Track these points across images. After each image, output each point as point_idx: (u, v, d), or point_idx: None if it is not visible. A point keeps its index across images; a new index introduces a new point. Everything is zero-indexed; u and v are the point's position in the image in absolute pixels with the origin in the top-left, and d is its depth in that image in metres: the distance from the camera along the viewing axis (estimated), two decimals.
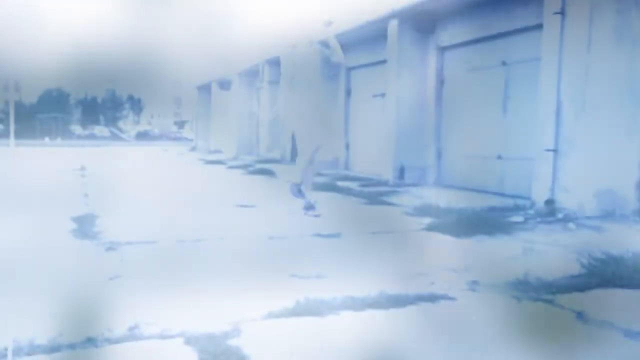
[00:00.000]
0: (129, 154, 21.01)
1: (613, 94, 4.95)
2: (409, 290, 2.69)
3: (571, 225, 4.69)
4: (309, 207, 5.38)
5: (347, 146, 11.17)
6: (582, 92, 5.19)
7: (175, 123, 67.73)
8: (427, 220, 4.81)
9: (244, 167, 11.95)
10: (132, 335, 2.09)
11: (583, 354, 2.05)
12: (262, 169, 10.71)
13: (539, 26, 5.80)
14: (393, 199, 6.61)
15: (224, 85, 18.40)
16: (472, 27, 7.47)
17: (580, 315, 2.44)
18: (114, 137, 48.04)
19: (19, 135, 25.24)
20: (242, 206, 5.84)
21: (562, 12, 5.37)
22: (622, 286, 2.88)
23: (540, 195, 5.52)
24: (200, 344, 1.99)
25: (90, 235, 4.04)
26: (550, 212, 5.20)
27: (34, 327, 2.12)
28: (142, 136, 50.51)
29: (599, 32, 5.05)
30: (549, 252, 3.78)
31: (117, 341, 2.03)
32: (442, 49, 8.18)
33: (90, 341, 2.02)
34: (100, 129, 53.37)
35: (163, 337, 2.08)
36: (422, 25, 8.19)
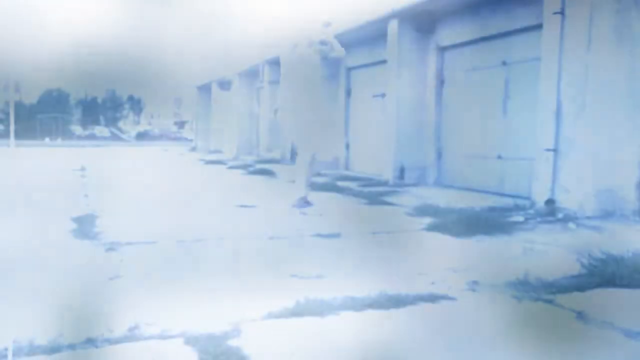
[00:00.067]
0: (129, 154, 21.01)
1: (613, 94, 4.95)
2: (409, 291, 2.68)
3: (571, 225, 4.69)
4: (303, 204, 5.41)
5: (347, 146, 11.17)
6: (582, 92, 5.19)
7: (176, 123, 67.70)
8: (427, 220, 4.81)
9: (244, 167, 11.95)
10: (132, 335, 2.09)
11: (583, 354, 2.05)
12: (262, 169, 10.71)
13: (539, 26, 5.80)
14: (393, 199, 6.61)
15: (224, 85, 18.40)
16: (472, 27, 7.47)
17: (580, 315, 2.44)
18: (114, 137, 48.03)
19: (19, 135, 25.23)
20: (242, 206, 5.84)
21: (562, 12, 5.37)
22: (622, 286, 2.88)
23: (540, 195, 5.52)
24: (201, 344, 1.99)
25: (90, 235, 4.04)
26: (550, 212, 5.20)
27: (34, 327, 2.12)
28: (142, 136, 50.50)
29: (599, 32, 5.05)
30: (549, 252, 3.78)
31: (117, 341, 2.03)
32: (442, 49, 8.18)
33: (91, 341, 2.02)
34: (100, 129, 53.36)
35: (163, 337, 2.08)
36: (422, 25, 8.19)
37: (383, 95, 9.07)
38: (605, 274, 2.98)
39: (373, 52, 9.76)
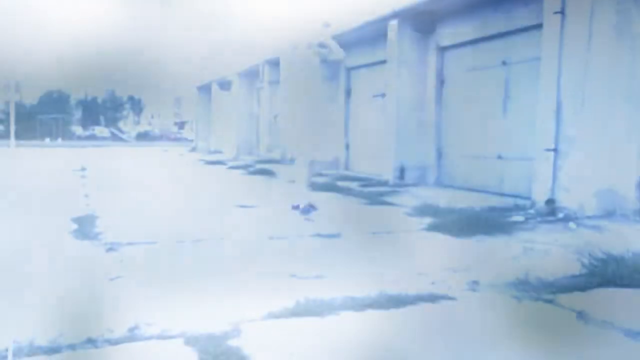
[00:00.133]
0: (129, 154, 21.01)
1: (613, 93, 4.94)
2: (409, 290, 2.68)
3: (572, 224, 4.68)
4: (308, 209, 5.40)
5: (347, 146, 11.16)
6: (582, 91, 5.19)
7: (176, 123, 67.66)
8: (427, 220, 4.81)
9: (244, 167, 11.94)
10: (133, 335, 2.09)
11: (583, 354, 2.05)
12: (262, 169, 10.70)
13: (539, 26, 5.79)
14: (393, 199, 6.61)
15: (224, 85, 18.40)
16: (472, 27, 7.47)
17: (580, 315, 2.44)
18: (115, 138, 48.03)
19: (19, 136, 25.24)
20: (242, 206, 5.84)
21: (562, 12, 5.37)
22: (622, 286, 2.88)
23: (540, 195, 5.52)
24: (200, 344, 1.99)
25: (90, 235, 4.04)
26: (550, 212, 5.19)
27: (35, 327, 2.12)
28: (143, 137, 50.51)
29: (598, 32, 5.05)
30: (549, 251, 3.78)
31: (117, 342, 2.03)
32: (442, 49, 8.17)
33: (91, 342, 2.01)
34: (100, 130, 53.36)
35: (163, 337, 2.08)
36: (422, 25, 8.18)
37: (383, 95, 9.07)
38: (606, 273, 2.98)
39: (373, 52, 9.75)
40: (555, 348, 2.08)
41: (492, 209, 5.40)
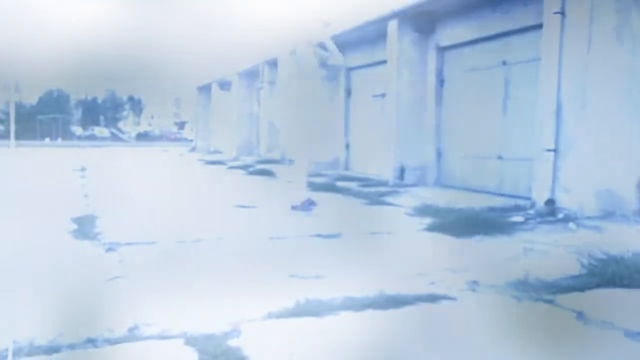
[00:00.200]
0: (129, 154, 21.01)
1: (613, 94, 4.95)
2: (408, 291, 2.68)
3: (571, 225, 4.69)
4: (308, 205, 5.40)
5: (347, 146, 11.17)
6: (582, 92, 5.19)
7: (176, 124, 67.68)
8: (427, 221, 4.81)
9: (244, 167, 11.95)
10: (132, 335, 2.09)
11: (583, 354, 2.05)
12: (262, 170, 10.71)
13: (539, 26, 5.80)
14: (393, 199, 6.61)
15: (224, 85, 18.41)
16: (472, 27, 7.47)
17: (580, 316, 2.44)
18: (114, 138, 48.06)
19: (19, 136, 25.25)
20: (242, 207, 5.84)
21: (562, 12, 5.37)
22: (622, 286, 2.88)
23: (540, 196, 5.52)
24: (200, 345, 1.99)
25: (90, 236, 4.04)
26: (550, 212, 5.20)
27: (34, 327, 2.12)
28: (142, 137, 50.55)
29: (599, 32, 5.05)
30: (549, 252, 3.78)
31: (117, 342, 2.03)
32: (442, 49, 8.18)
33: (90, 342, 2.02)
34: (100, 130, 53.40)
35: (163, 337, 2.08)
36: (422, 25, 8.19)
37: (383, 95, 9.07)
38: (606, 274, 2.98)
39: (373, 52, 9.76)
40: (555, 348, 2.08)
41: (492, 209, 5.40)
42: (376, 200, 6.60)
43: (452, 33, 7.89)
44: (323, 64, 5.72)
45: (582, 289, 2.84)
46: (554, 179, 5.43)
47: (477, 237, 4.20)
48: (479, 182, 7.34)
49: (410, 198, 6.57)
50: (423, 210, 5.35)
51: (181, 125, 63.99)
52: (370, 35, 9.40)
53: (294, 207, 5.48)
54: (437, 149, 8.27)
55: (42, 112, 47.94)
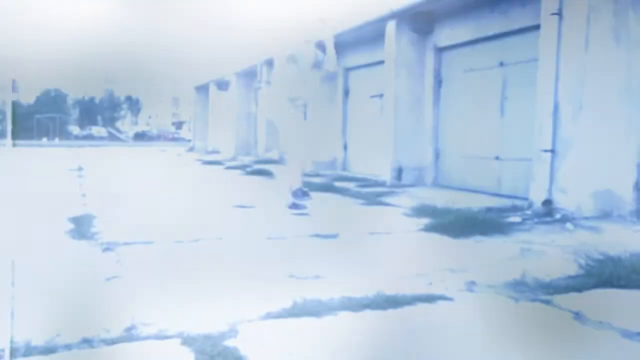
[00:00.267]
0: (126, 154, 20.98)
1: (610, 95, 4.95)
2: (406, 291, 2.68)
3: (569, 225, 4.69)
4: (301, 195, 5.39)
5: (345, 147, 11.17)
6: (580, 92, 5.20)
7: (173, 123, 67.61)
8: (424, 221, 4.81)
9: (242, 167, 11.94)
10: (129, 336, 2.08)
11: (581, 355, 2.05)
12: (260, 170, 10.70)
13: (537, 27, 5.80)
14: (391, 200, 6.61)
15: (222, 85, 18.39)
16: (470, 28, 7.48)
17: (577, 316, 2.44)
18: (112, 138, 47.99)
19: (16, 135, 25.17)
20: (240, 206, 5.83)
21: (560, 13, 5.38)
22: (619, 287, 2.88)
23: (537, 196, 5.53)
24: (198, 345, 1.99)
25: (87, 235, 4.03)
26: (547, 213, 5.20)
27: (31, 328, 2.11)
28: (140, 137, 50.50)
29: (596, 33, 5.06)
30: (546, 252, 3.78)
31: (113, 342, 2.03)
32: (440, 50, 8.18)
33: (87, 342, 2.01)
34: (98, 130, 53.33)
35: (160, 337, 2.07)
36: (419, 25, 8.19)
37: (381, 95, 9.08)
38: (603, 274, 2.98)
39: (371, 52, 9.76)
40: (552, 348, 2.09)
41: (490, 210, 5.41)
42: (374, 200, 6.60)
43: (450, 33, 7.90)
44: (317, 65, 5.73)
45: (579, 289, 2.85)
46: (552, 179, 5.44)
47: (475, 238, 4.20)
48: (477, 182, 7.35)
49: (408, 198, 6.57)
50: (421, 211, 5.35)
51: (179, 125, 63.94)
52: (369, 36, 9.40)
53: (290, 207, 5.48)
54: (435, 149, 8.28)
55: (40, 112, 47.84)
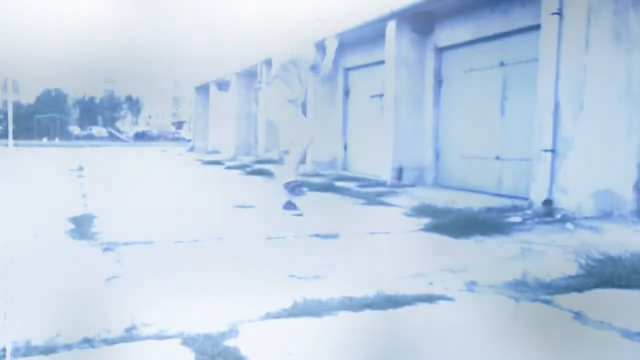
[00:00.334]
0: (127, 154, 20.98)
1: (611, 95, 4.95)
2: (406, 291, 2.68)
3: (569, 225, 4.69)
4: (295, 190, 5.38)
5: (345, 146, 11.17)
6: (580, 92, 5.20)
7: (174, 124, 67.66)
8: (425, 221, 4.81)
9: (242, 167, 11.94)
10: (129, 336, 2.08)
11: (581, 355, 2.05)
12: (260, 170, 10.70)
13: (537, 27, 5.80)
14: (391, 200, 6.61)
15: (222, 85, 18.40)
16: (470, 28, 7.48)
17: (578, 316, 2.44)
18: (112, 138, 47.97)
19: (17, 135, 25.18)
20: (240, 206, 5.83)
21: (560, 13, 5.38)
22: (620, 287, 2.88)
23: (538, 196, 5.52)
24: (198, 345, 1.99)
25: (87, 235, 4.03)
26: (548, 213, 5.20)
27: (31, 328, 2.11)
28: (141, 137, 50.48)
29: (596, 33, 5.06)
30: (547, 252, 3.78)
31: (114, 342, 2.02)
32: (440, 50, 8.18)
33: (87, 342, 2.01)
34: (98, 130, 53.31)
35: (160, 337, 2.07)
36: (420, 25, 8.19)
37: (381, 95, 9.08)
38: (603, 274, 2.98)
39: (371, 52, 9.76)
40: (553, 348, 2.08)
41: (490, 210, 5.41)
42: (374, 200, 6.60)
43: (450, 34, 7.90)
44: (315, 68, 5.73)
45: (580, 289, 2.84)
46: (552, 179, 5.44)
47: (475, 238, 4.20)
48: (477, 182, 7.35)
49: (408, 198, 6.57)
50: (421, 211, 5.35)
51: (179, 125, 63.98)
52: (369, 36, 9.40)
53: (285, 186, 5.45)
54: (435, 149, 8.28)
55: (40, 112, 47.83)
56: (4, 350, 1.90)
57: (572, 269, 3.17)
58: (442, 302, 2.59)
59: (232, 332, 2.13)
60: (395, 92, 8.31)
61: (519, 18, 6.57)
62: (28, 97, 56.00)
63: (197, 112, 22.80)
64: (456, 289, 2.81)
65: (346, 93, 11.13)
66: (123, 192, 7.34)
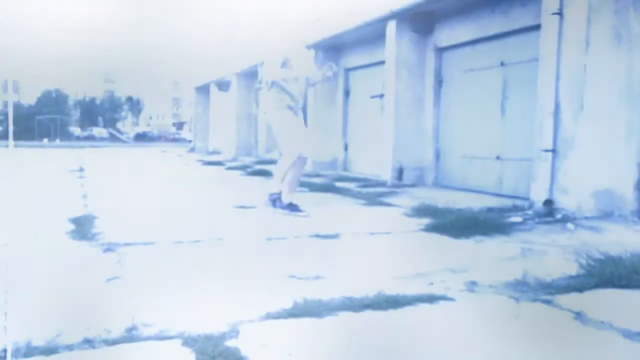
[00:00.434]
0: (127, 155, 20.99)
1: (611, 95, 4.95)
2: (407, 291, 2.68)
3: (570, 225, 4.69)
4: (293, 208, 5.36)
5: (346, 147, 11.17)
6: (580, 92, 5.20)
7: (174, 124, 67.67)
8: (425, 221, 4.81)
9: (242, 168, 11.94)
10: (130, 336, 2.08)
11: (581, 355, 2.05)
12: (261, 170, 10.70)
13: (537, 27, 5.80)
14: (391, 200, 6.61)
15: (223, 86, 18.40)
16: (470, 28, 7.48)
17: (578, 316, 2.44)
18: (113, 138, 48.00)
19: (17, 136, 25.21)
20: (240, 207, 5.84)
21: (560, 13, 5.38)
22: (620, 287, 2.88)
23: (538, 196, 5.52)
24: (198, 345, 1.99)
25: (88, 236, 4.03)
26: (548, 213, 5.20)
27: (32, 328, 2.12)
28: (141, 137, 50.50)
29: (596, 33, 5.06)
30: (547, 252, 3.78)
31: (114, 342, 2.03)
32: (440, 50, 8.19)
33: (88, 342, 2.01)
34: (99, 130, 53.34)
35: (161, 338, 2.07)
36: (420, 26, 8.19)
37: (381, 95, 9.08)
38: (604, 274, 2.98)
39: (371, 53, 9.76)
40: (553, 349, 2.08)
41: (490, 210, 5.41)
42: (375, 200, 6.60)
43: (450, 34, 7.90)
44: (311, 82, 5.75)
45: (580, 289, 2.84)
46: (552, 179, 5.44)
47: (476, 238, 4.20)
48: (478, 182, 7.35)
49: (408, 198, 6.57)
50: (421, 211, 5.35)
51: (179, 125, 64.00)
52: (369, 36, 9.40)
53: (268, 197, 5.44)
54: (435, 149, 8.28)
55: (41, 113, 47.83)
56: (5, 350, 1.91)
57: (573, 269, 3.17)
58: (442, 302, 2.59)
59: (233, 332, 2.13)
60: (396, 92, 8.31)
61: (519, 18, 6.58)
62: (28, 98, 56.06)
63: (197, 112, 22.80)
64: (456, 289, 2.82)
65: (346, 93, 11.13)
66: (124, 193, 7.34)
